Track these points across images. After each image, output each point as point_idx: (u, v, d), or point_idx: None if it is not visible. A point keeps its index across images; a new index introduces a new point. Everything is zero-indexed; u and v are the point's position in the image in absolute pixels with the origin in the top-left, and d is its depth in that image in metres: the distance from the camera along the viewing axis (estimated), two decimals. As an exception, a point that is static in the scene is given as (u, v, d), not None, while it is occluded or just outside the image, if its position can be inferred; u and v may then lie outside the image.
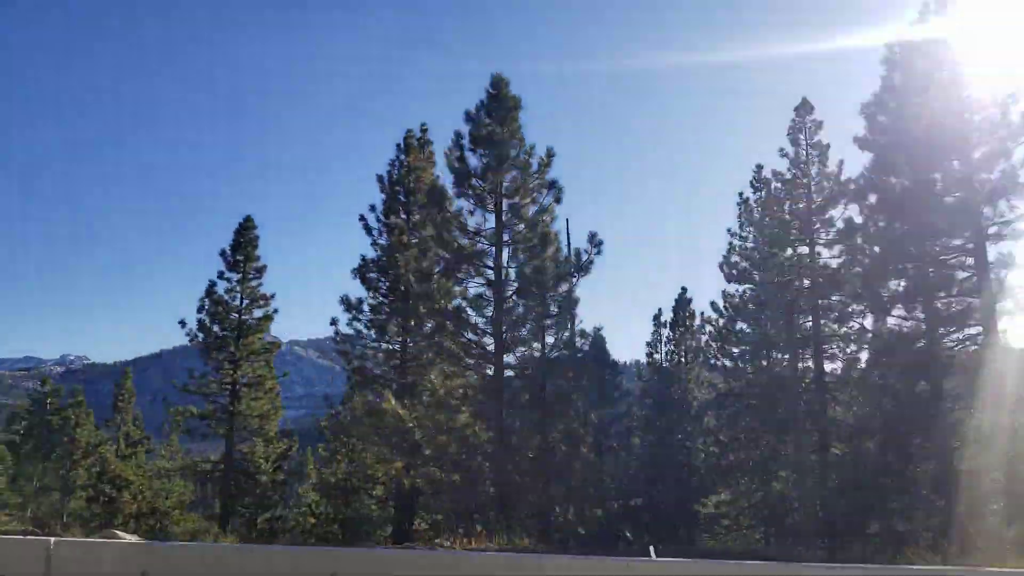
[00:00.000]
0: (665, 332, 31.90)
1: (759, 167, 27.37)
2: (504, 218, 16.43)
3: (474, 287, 17.28)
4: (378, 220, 23.29)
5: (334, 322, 23.20)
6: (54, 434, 37.34)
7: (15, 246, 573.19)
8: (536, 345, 16.77)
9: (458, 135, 16.77)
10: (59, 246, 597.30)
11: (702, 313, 30.40)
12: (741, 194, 27.61)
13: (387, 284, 23.32)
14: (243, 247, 28.48)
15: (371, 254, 23.90)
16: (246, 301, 28.38)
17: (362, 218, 23.45)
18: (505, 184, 16.51)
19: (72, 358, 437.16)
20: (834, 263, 23.42)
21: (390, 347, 23.42)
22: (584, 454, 16.93)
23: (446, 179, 18.65)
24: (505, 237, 16.60)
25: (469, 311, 17.24)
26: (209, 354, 28.47)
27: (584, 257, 16.04)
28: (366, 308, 23.41)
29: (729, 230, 27.15)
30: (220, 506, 27.44)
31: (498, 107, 16.42)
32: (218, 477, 27.96)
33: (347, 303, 23.20)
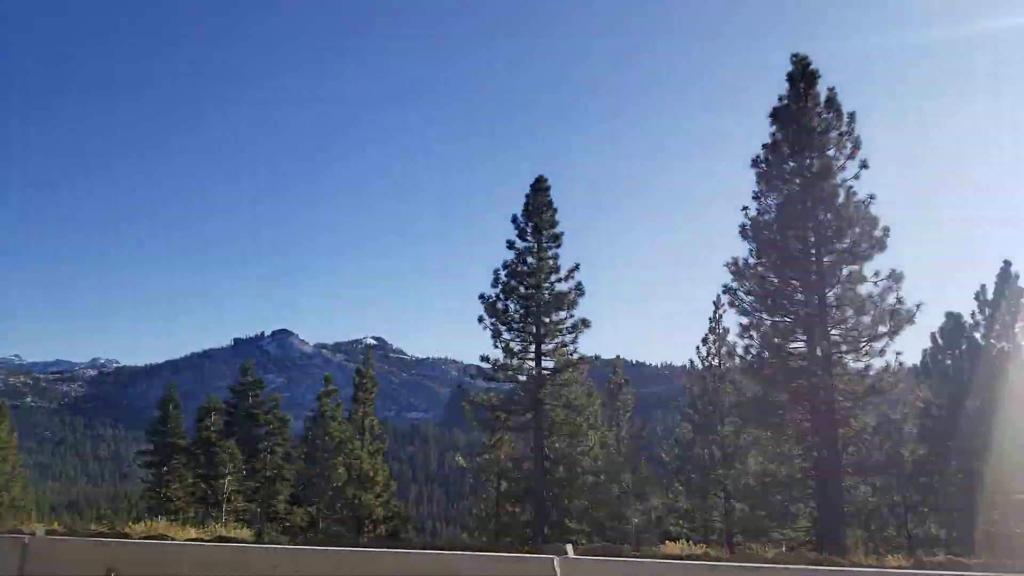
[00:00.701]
0: (986, 311, 27.76)
1: None
2: None
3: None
4: (778, 165, 19.30)
5: (728, 289, 19.19)
6: (257, 427, 33.76)
7: (44, 251, 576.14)
8: None
9: None
10: (88, 251, 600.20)
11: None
12: None
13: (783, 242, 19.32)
14: (538, 211, 24.68)
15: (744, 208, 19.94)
16: (542, 274, 24.53)
17: (756, 162, 19.53)
18: None
19: (103, 361, 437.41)
20: None
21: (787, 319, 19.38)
22: None
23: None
24: None
25: None
26: (499, 336, 24.63)
27: None
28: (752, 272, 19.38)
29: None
30: (534, 510, 23.52)
31: None
32: (520, 476, 24.12)
33: (735, 268, 19.27)
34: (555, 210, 24.77)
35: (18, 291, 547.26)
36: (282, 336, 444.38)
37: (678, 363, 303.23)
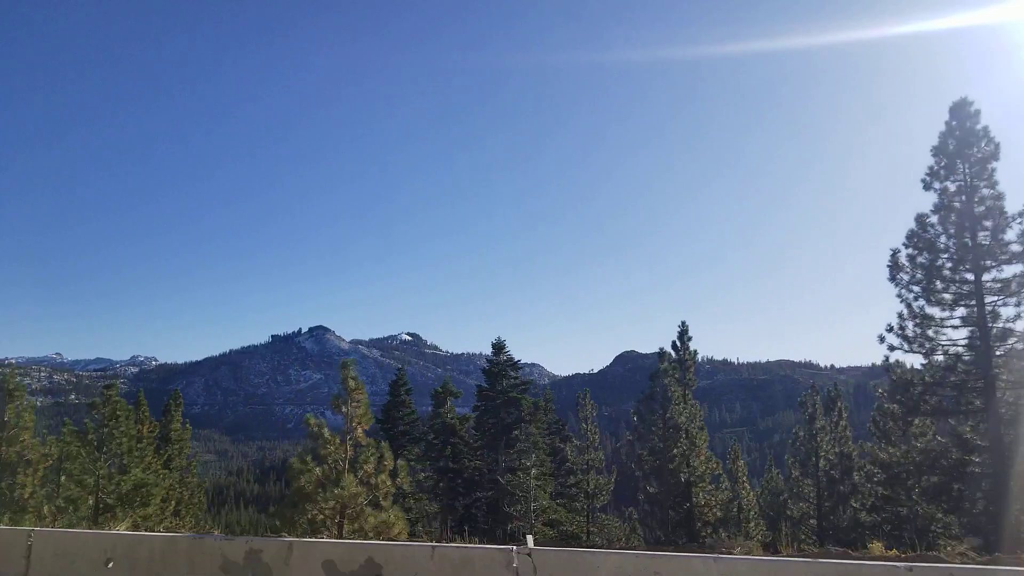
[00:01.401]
0: None
1: None
2: None
3: None
4: None
5: None
6: (508, 413, 29.18)
7: (85, 252, 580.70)
8: None
9: None
10: (128, 250, 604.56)
11: None
12: None
13: None
14: (966, 141, 19.73)
15: None
16: (980, 220, 19.57)
17: None
18: None
19: (142, 359, 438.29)
20: None
21: None
22: None
23: None
24: None
25: None
26: (916, 299, 19.77)
27: None
28: None
29: None
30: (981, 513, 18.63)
31: None
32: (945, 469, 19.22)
33: None
34: (991, 140, 19.78)
35: (58, 291, 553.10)
36: (319, 333, 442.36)
37: (718, 357, 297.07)
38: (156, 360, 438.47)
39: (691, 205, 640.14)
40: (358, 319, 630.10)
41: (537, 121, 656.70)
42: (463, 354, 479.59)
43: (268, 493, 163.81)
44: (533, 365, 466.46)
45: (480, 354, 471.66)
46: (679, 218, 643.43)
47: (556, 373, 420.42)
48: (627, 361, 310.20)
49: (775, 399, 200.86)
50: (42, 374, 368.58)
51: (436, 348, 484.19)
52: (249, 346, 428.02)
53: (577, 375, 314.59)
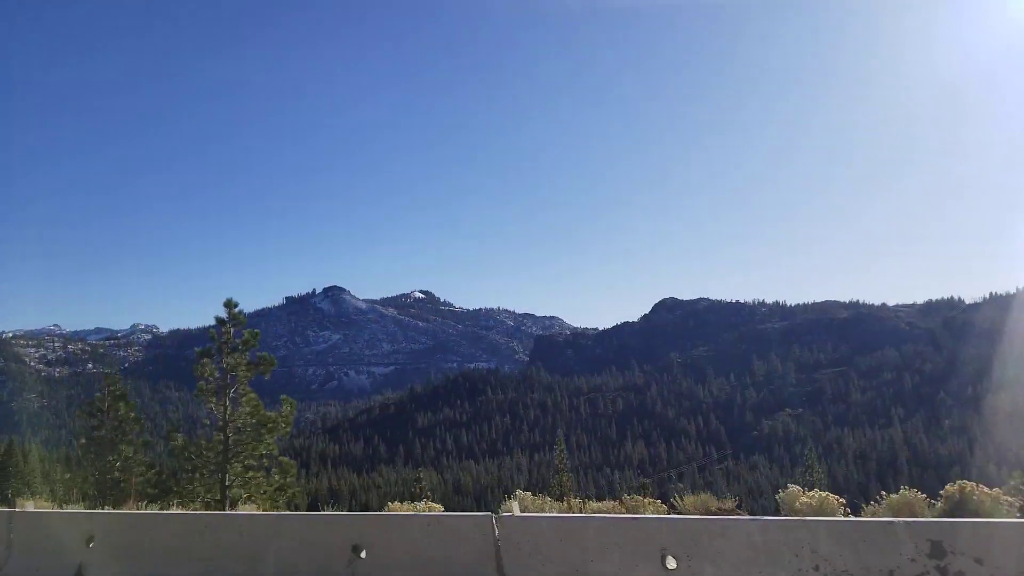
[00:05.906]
0: None
1: None
2: None
3: None
4: None
5: None
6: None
7: (80, 217, 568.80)
8: None
9: None
10: (129, 217, 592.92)
11: None
12: None
13: None
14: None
15: None
16: None
17: None
18: None
19: (143, 327, 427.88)
20: None
21: None
22: None
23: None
24: None
25: None
26: None
27: None
28: None
29: None
30: None
31: None
32: None
33: None
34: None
35: (54, 260, 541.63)
36: (335, 293, 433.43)
37: (769, 300, 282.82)
38: (156, 328, 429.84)
39: (715, 150, 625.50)
40: (369, 278, 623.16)
41: (549, 68, 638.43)
42: (480, 310, 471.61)
43: (352, 452, 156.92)
44: (552, 318, 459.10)
45: (498, 309, 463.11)
46: (697, 163, 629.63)
47: (575, 325, 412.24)
48: (672, 308, 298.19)
49: (864, 338, 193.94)
50: (55, 344, 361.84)
51: (450, 305, 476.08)
52: (263, 309, 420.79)
53: (626, 323, 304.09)
